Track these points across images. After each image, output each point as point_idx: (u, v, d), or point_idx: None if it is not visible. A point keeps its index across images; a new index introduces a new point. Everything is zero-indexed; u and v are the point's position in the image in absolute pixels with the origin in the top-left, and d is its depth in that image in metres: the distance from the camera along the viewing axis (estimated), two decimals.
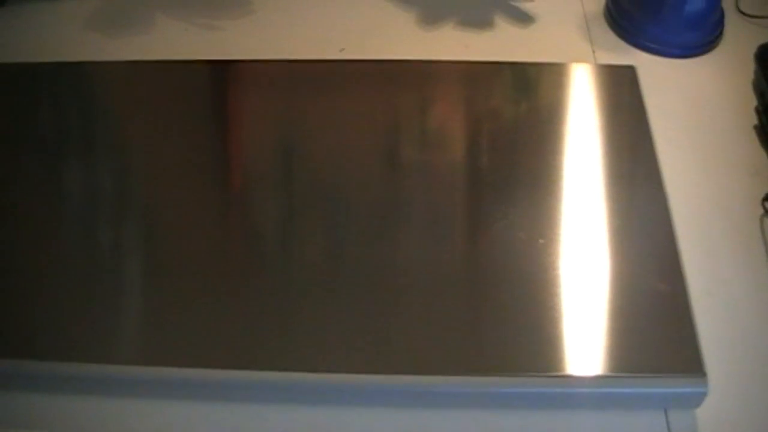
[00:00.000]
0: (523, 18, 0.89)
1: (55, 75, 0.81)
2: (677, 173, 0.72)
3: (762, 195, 0.71)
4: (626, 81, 0.77)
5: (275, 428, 0.59)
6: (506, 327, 0.61)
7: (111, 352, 0.60)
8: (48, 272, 0.65)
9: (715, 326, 0.64)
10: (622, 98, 0.77)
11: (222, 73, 0.82)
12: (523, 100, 0.78)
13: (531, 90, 0.79)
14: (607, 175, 0.71)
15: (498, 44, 0.86)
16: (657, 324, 0.61)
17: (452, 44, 0.86)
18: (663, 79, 0.81)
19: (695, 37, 0.84)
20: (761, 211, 0.71)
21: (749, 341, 0.63)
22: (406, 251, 0.66)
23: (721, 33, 0.86)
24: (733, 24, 0.87)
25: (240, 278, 0.64)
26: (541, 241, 0.66)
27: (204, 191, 0.70)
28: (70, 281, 0.64)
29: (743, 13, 0.89)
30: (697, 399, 0.59)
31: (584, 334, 0.61)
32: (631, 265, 0.65)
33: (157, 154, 0.74)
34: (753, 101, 0.79)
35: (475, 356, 0.60)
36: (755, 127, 0.78)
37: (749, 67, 0.81)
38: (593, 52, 0.85)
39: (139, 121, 0.76)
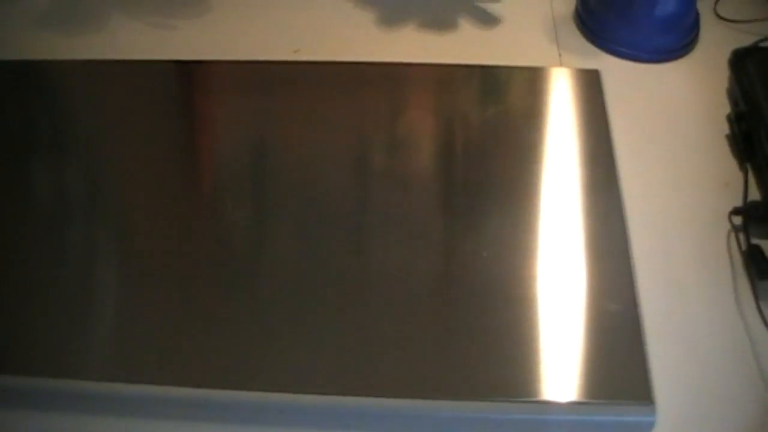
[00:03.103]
0: (489, 20, 0.86)
1: (8, 73, 0.79)
2: (639, 184, 0.69)
3: (730, 208, 0.67)
4: (590, 85, 0.75)
5: None
6: (470, 351, 0.58)
7: (80, 367, 0.58)
8: (11, 283, 0.63)
9: (671, 351, 0.60)
10: (586, 104, 0.74)
11: (181, 74, 0.80)
12: (485, 103, 0.76)
13: (494, 94, 0.77)
14: (566, 185, 0.68)
15: (462, 47, 0.83)
16: (606, 347, 0.58)
17: (413, 46, 0.83)
18: (631, 85, 0.78)
19: (666, 42, 0.81)
20: (728, 225, 0.67)
21: (706, 368, 0.60)
22: (378, 263, 0.63)
23: (696, 37, 0.83)
24: (709, 28, 0.84)
25: (210, 291, 0.62)
26: (484, 253, 0.63)
27: (168, 197, 0.69)
28: (35, 292, 0.62)
29: (721, 18, 0.85)
30: (645, 428, 0.56)
31: (532, 357, 0.58)
32: (584, 284, 0.62)
33: (119, 157, 0.71)
34: (727, 109, 0.76)
35: (439, 380, 0.57)
36: (727, 137, 0.74)
37: (724, 74, 0.78)
38: (560, 55, 0.81)
39: (99, 122, 0.75)
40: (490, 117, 0.74)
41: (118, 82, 0.78)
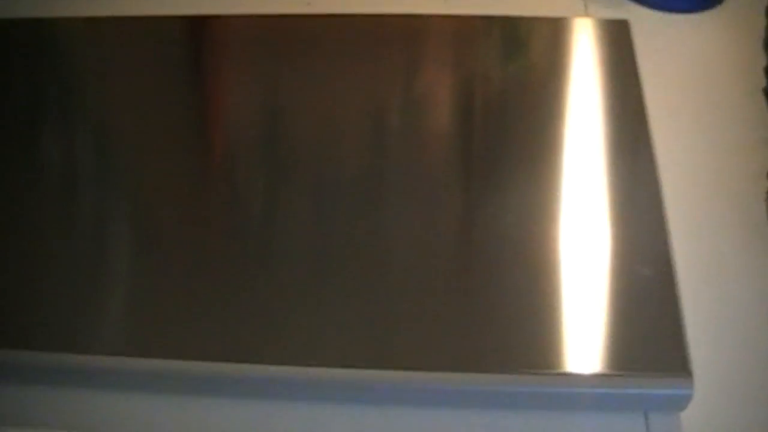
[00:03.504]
0: None
1: (5, 33, 0.76)
2: (672, 144, 0.66)
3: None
4: (618, 37, 0.71)
5: (263, 424, 0.55)
6: (491, 321, 0.55)
7: (93, 342, 0.56)
8: (18, 254, 0.60)
9: (707, 320, 0.57)
10: (614, 57, 0.70)
11: (189, 30, 0.77)
12: (508, 57, 0.72)
13: (516, 47, 0.73)
14: (595, 147, 0.64)
15: None
16: (640, 316, 0.55)
17: None
18: (661, 37, 0.74)
19: None
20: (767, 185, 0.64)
21: (744, 338, 0.56)
22: (396, 229, 0.60)
23: None
24: None
25: (223, 260, 0.59)
26: (509, 216, 0.60)
27: (180, 162, 0.66)
28: (44, 264, 0.60)
29: None
30: (681, 402, 0.52)
31: (560, 328, 0.55)
32: (616, 248, 0.58)
33: (127, 122, 0.69)
34: (763, 61, 0.72)
35: (457, 352, 0.54)
36: (764, 90, 0.70)
37: (760, 24, 0.73)
38: (585, 6, 0.77)
39: (104, 85, 0.72)
40: (512, 72, 0.71)
41: (122, 41, 0.75)
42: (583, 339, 0.54)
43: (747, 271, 0.60)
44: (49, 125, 0.68)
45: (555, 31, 0.73)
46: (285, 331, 0.56)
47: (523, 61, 0.71)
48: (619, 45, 0.70)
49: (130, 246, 0.61)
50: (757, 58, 0.72)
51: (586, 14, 0.76)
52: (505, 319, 0.55)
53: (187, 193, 0.64)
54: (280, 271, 0.59)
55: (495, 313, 0.56)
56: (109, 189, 0.64)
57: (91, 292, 0.58)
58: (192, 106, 0.71)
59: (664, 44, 0.74)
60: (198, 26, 0.77)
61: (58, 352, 0.55)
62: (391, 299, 0.57)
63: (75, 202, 0.64)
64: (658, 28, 0.75)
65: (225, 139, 0.68)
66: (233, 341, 0.55)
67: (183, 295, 0.58)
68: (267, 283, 0.58)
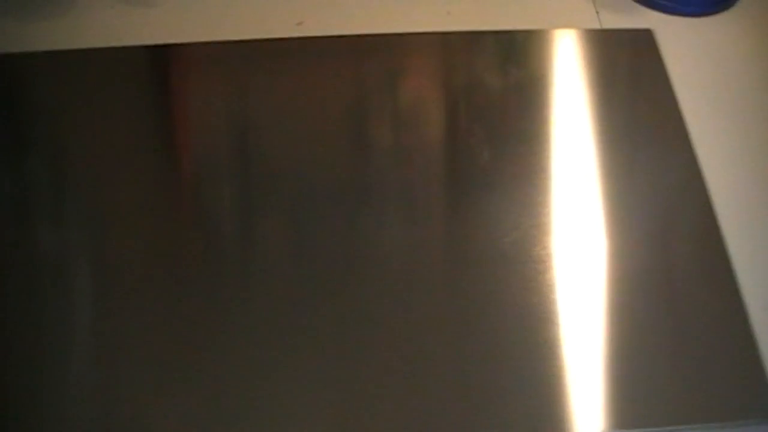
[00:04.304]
0: None
1: None
2: (710, 152, 0.62)
3: None
4: (643, 47, 0.67)
5: None
6: (506, 376, 0.49)
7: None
8: None
9: None
10: (640, 68, 0.67)
11: (163, 60, 0.72)
12: (520, 75, 0.68)
13: (530, 62, 0.69)
14: (635, 159, 0.61)
15: (486, 10, 0.74)
16: (710, 355, 0.50)
17: (432, 12, 0.74)
18: (681, 43, 0.71)
19: None
20: None
21: None
22: (379, 257, 0.56)
23: None
24: None
25: (195, 314, 0.54)
26: (546, 244, 0.55)
27: (155, 187, 0.62)
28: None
29: None
30: None
31: (622, 382, 0.49)
32: (665, 274, 0.54)
33: (90, 157, 0.64)
34: None
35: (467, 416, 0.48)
36: None
37: None
38: (597, 14, 0.73)
39: (76, 117, 0.66)
40: (534, 89, 0.66)
41: (97, 74, 0.69)
42: (643, 390, 0.49)
43: None
44: (8, 159, 0.63)
45: (578, 44, 0.70)
46: (259, 406, 0.50)
47: (549, 75, 0.67)
48: (645, 55, 0.67)
49: (98, 281, 0.57)
50: None
51: (600, 23, 0.72)
52: (544, 375, 0.49)
53: (159, 222, 0.60)
54: (255, 331, 0.53)
55: (531, 371, 0.50)
56: (72, 224, 0.60)
57: (57, 338, 0.53)
58: (164, 136, 0.66)
59: (685, 50, 0.70)
60: (175, 55, 0.71)
61: None
62: (376, 362, 0.51)
63: (33, 240, 0.59)
64: (674, 32, 0.71)
65: (199, 166, 0.64)
66: (204, 416, 0.49)
67: (149, 340, 0.53)
68: (240, 351, 0.52)
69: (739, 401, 0.48)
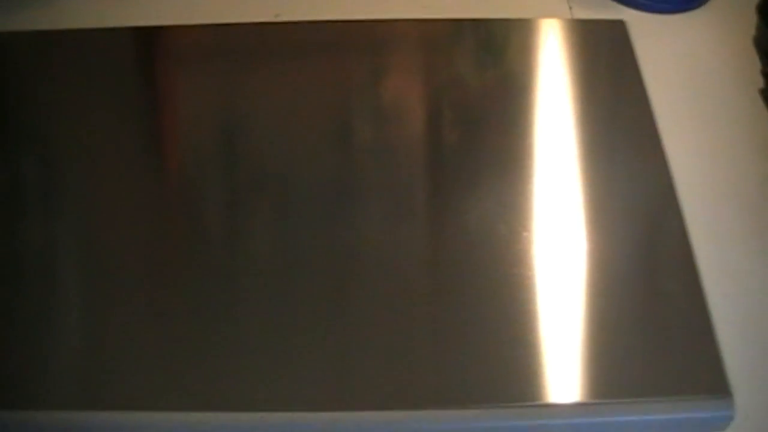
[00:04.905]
0: None
1: None
2: (679, 150, 0.62)
3: None
4: (615, 39, 0.68)
5: None
6: (485, 349, 0.51)
7: (41, 395, 0.50)
8: None
9: (736, 336, 0.52)
10: (614, 58, 0.67)
11: (146, 43, 0.72)
12: (493, 63, 0.68)
13: (502, 52, 0.70)
14: (604, 149, 0.61)
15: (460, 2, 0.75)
16: (670, 336, 0.51)
17: (407, 1, 0.74)
18: (651, 39, 0.70)
19: None
20: None
21: None
22: (363, 252, 0.56)
23: None
24: None
25: (180, 295, 0.54)
26: (524, 233, 0.56)
27: (137, 180, 0.61)
28: None
29: None
30: (721, 424, 0.49)
31: (589, 355, 0.51)
32: (635, 262, 0.55)
33: (82, 141, 0.63)
34: (756, 60, 0.69)
35: (451, 386, 0.49)
36: (761, 91, 0.68)
37: (749, 22, 0.71)
38: (570, 8, 0.74)
39: (58, 102, 0.66)
40: (505, 79, 0.67)
41: (80, 55, 0.69)
42: (609, 365, 0.50)
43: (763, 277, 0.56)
44: None
45: (550, 34, 0.70)
46: (247, 375, 0.50)
47: (509, 65, 0.68)
48: (617, 47, 0.67)
49: (79, 282, 0.56)
50: (747, 55, 0.70)
51: (572, 17, 0.73)
52: (519, 346, 0.51)
53: (142, 217, 0.59)
54: (242, 308, 0.54)
55: (505, 339, 0.51)
56: (57, 214, 0.59)
57: (40, 340, 0.52)
58: (145, 122, 0.66)
59: (654, 46, 0.70)
60: (154, 37, 0.72)
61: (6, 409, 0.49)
62: (357, 330, 0.52)
63: (18, 230, 0.58)
64: (646, 29, 0.71)
65: (181, 155, 0.64)
66: (193, 389, 0.50)
67: (138, 340, 0.52)
68: (228, 324, 0.53)
69: (695, 377, 0.49)
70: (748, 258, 0.57)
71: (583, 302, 0.53)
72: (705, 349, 0.50)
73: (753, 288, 0.56)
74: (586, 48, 0.68)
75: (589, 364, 0.50)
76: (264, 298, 0.54)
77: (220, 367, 0.50)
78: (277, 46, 0.69)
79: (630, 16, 0.73)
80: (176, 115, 0.66)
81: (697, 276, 0.53)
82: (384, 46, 0.70)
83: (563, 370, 0.50)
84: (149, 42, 0.71)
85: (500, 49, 0.69)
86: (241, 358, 0.51)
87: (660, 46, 0.71)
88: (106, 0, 0.75)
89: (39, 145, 0.63)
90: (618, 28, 0.68)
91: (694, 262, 0.54)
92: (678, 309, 0.52)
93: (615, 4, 0.74)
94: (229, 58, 0.69)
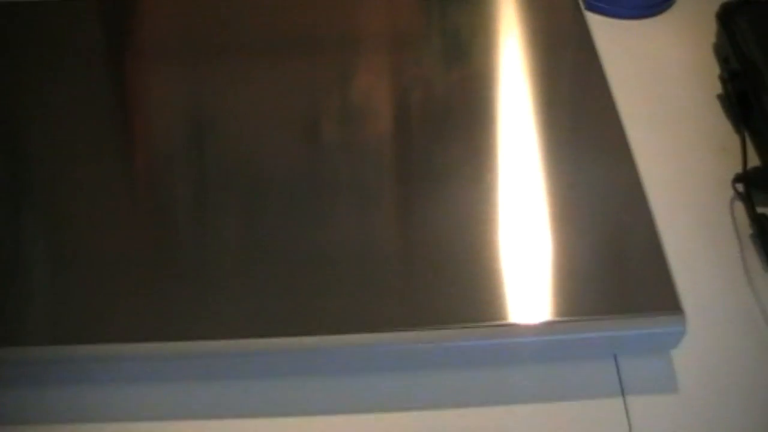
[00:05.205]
0: None
1: None
2: (639, 150, 0.60)
3: (731, 174, 0.62)
4: (568, 6, 0.68)
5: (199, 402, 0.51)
6: (454, 276, 0.52)
7: (20, 333, 0.51)
8: None
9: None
10: (565, 27, 0.67)
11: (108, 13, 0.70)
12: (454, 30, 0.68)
13: (459, 19, 0.68)
14: (562, 143, 0.60)
15: None
16: (624, 260, 0.52)
17: None
18: (612, 44, 0.70)
19: None
20: (731, 193, 0.61)
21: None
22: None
23: None
24: None
25: (151, 262, 0.54)
26: (488, 175, 0.56)
27: (99, 164, 0.59)
28: None
29: None
30: (674, 340, 0.51)
31: (541, 280, 0.52)
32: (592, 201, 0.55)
33: (37, 122, 0.61)
34: (715, 67, 0.70)
35: (419, 309, 0.50)
36: (719, 97, 0.68)
37: (709, 29, 0.71)
38: None
39: (19, 76, 0.64)
40: (458, 52, 0.66)
41: (32, 28, 0.67)
42: (571, 288, 0.51)
43: (718, 282, 0.57)
44: None
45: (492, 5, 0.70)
46: (213, 308, 0.51)
47: (477, 44, 0.66)
48: (570, 16, 0.67)
49: (48, 248, 0.54)
50: (707, 63, 0.70)
51: None
52: (482, 271, 0.52)
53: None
54: (206, 262, 0.53)
55: (471, 267, 0.52)
56: (22, 198, 0.57)
57: (16, 284, 0.52)
58: (111, 103, 0.64)
59: (613, 50, 0.69)
60: (119, 8, 0.70)
61: None
62: (323, 264, 0.52)
63: None
64: (606, 34, 0.70)
65: (148, 138, 0.61)
66: (157, 320, 0.50)
67: (106, 278, 0.52)
68: (193, 273, 0.53)
69: (650, 298, 0.50)
70: (702, 259, 0.58)
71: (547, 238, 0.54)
72: (657, 271, 0.51)
73: (699, 286, 0.56)
74: (540, 17, 0.68)
75: (552, 287, 0.51)
76: (232, 294, 0.52)
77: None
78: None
79: (592, 20, 0.71)
80: (140, 96, 0.64)
81: (650, 210, 0.54)
82: (342, 14, 0.68)
83: (527, 294, 0.51)
84: (115, 12, 0.69)
85: (456, 20, 0.68)
86: (208, 296, 0.51)
87: (621, 51, 0.71)
88: None
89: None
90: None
91: (647, 200, 0.55)
92: (631, 238, 0.53)
93: None
94: (196, 33, 0.67)
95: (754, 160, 0.63)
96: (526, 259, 0.52)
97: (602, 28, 0.71)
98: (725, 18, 0.69)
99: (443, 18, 0.68)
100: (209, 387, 0.52)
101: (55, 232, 0.55)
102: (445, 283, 0.51)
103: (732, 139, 0.64)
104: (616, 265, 0.52)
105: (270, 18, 0.67)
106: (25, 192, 0.57)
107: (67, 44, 0.66)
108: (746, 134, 0.64)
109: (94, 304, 0.51)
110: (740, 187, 0.61)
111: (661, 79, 0.69)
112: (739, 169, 0.61)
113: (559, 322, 0.49)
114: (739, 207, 0.60)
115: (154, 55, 0.66)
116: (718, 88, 0.67)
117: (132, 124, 0.62)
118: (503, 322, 0.49)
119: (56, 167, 0.58)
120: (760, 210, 0.59)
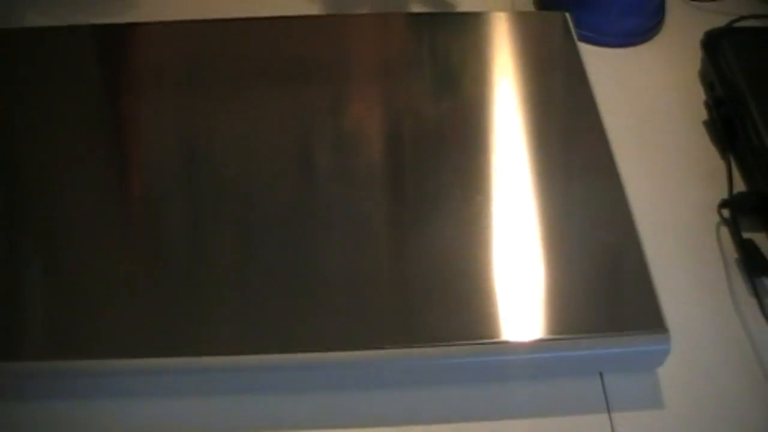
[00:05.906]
0: None
1: None
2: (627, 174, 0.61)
3: (717, 200, 0.62)
4: (558, 30, 0.69)
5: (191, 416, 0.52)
6: (446, 292, 0.53)
7: (14, 348, 0.51)
8: None
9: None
10: (555, 51, 0.68)
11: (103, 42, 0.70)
12: (447, 53, 0.69)
13: (450, 44, 0.69)
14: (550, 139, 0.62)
15: None
16: (610, 279, 0.53)
17: None
18: (598, 71, 0.69)
19: (633, 24, 0.75)
20: (716, 218, 0.62)
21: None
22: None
23: (662, 19, 0.78)
24: (675, 9, 0.79)
25: (148, 281, 0.54)
26: (479, 197, 0.57)
27: (102, 188, 0.59)
28: None
29: None
30: (659, 358, 0.51)
31: (520, 297, 0.52)
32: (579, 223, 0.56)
33: (42, 147, 0.62)
34: (700, 93, 0.70)
35: (413, 327, 0.51)
36: (705, 123, 0.69)
37: (695, 56, 0.72)
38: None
39: (14, 103, 0.64)
40: (455, 68, 0.67)
41: (27, 56, 0.68)
42: (559, 307, 0.52)
43: (703, 306, 0.57)
44: None
45: (487, 26, 0.71)
46: (205, 324, 0.52)
47: (456, 58, 0.68)
48: (560, 38, 0.68)
49: (44, 263, 0.55)
50: (693, 91, 0.71)
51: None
52: (471, 291, 0.53)
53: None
54: (205, 273, 0.54)
55: (459, 286, 0.53)
56: (20, 217, 0.57)
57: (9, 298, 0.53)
58: (107, 130, 0.64)
59: (598, 78, 0.68)
60: (117, 35, 0.70)
61: None
62: (319, 285, 0.53)
63: None
64: (591, 62, 0.69)
65: (143, 164, 0.61)
66: (153, 337, 0.51)
67: (102, 295, 0.53)
68: (193, 282, 0.54)
69: (636, 317, 0.51)
70: (682, 280, 0.59)
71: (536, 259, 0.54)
72: (642, 290, 0.52)
73: (686, 312, 0.57)
74: (531, 41, 0.69)
75: (541, 306, 0.52)
76: (228, 312, 0.53)
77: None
78: (237, 41, 0.68)
79: (582, 48, 0.71)
80: (135, 122, 0.64)
81: (636, 230, 0.55)
82: (334, 40, 0.69)
83: (516, 313, 0.51)
84: (112, 39, 0.70)
85: (448, 43, 0.69)
86: (200, 313, 0.52)
87: (610, 78, 0.71)
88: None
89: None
90: (560, 20, 0.70)
91: (633, 219, 0.56)
92: (617, 258, 0.54)
93: None
94: (191, 59, 0.68)
95: (739, 186, 0.64)
96: (516, 279, 0.53)
97: (592, 56, 0.71)
98: (710, 45, 0.70)
99: (436, 46, 0.69)
100: (204, 403, 0.52)
101: (51, 250, 0.55)
102: (436, 301, 0.51)
103: (718, 165, 0.65)
104: (604, 285, 0.53)
105: (263, 47, 0.68)
106: (23, 212, 0.57)
107: (61, 73, 0.66)
108: (732, 160, 0.65)
109: (88, 320, 0.52)
110: (726, 212, 0.62)
111: (648, 105, 0.70)
112: (725, 194, 0.62)
113: (547, 340, 0.50)
114: (725, 232, 0.61)
115: (149, 84, 0.66)
116: (704, 114, 0.68)
117: (127, 151, 0.63)
118: (494, 340, 0.50)
119: (53, 190, 0.58)
120: (745, 235, 0.60)
